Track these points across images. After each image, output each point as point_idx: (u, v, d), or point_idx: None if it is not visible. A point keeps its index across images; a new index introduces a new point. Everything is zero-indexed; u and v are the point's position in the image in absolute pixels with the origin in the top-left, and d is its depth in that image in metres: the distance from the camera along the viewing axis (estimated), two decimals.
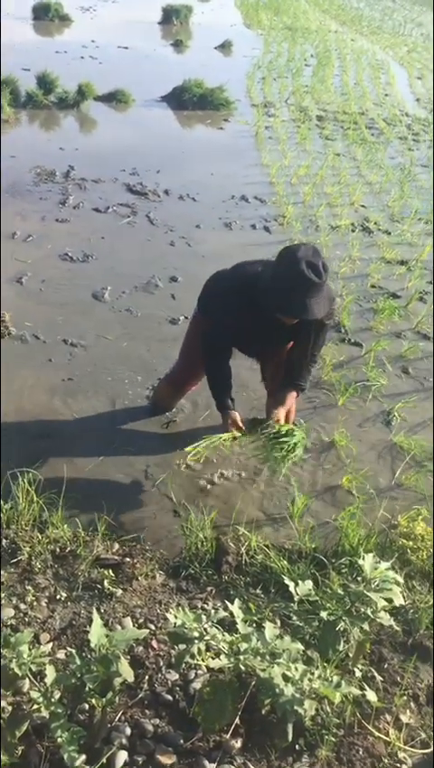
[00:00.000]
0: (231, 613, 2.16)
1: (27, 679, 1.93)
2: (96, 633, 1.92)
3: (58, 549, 2.73)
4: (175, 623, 2.04)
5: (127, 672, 1.89)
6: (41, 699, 1.87)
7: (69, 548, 2.73)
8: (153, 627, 2.45)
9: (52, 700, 1.88)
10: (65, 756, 1.80)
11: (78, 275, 4.92)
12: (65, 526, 2.81)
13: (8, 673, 1.87)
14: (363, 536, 2.88)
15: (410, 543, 2.90)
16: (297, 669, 1.99)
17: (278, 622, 2.48)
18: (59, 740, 1.82)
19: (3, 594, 2.50)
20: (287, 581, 2.33)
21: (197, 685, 2.21)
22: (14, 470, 2.95)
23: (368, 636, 2.28)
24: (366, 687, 2.21)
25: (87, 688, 1.89)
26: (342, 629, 2.16)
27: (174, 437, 3.54)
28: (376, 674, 2.34)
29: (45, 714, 1.86)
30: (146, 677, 2.25)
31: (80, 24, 14.32)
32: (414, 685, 2.36)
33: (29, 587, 2.55)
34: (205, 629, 2.03)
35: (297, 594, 2.25)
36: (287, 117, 9.38)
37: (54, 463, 3.23)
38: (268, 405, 3.52)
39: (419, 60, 14.84)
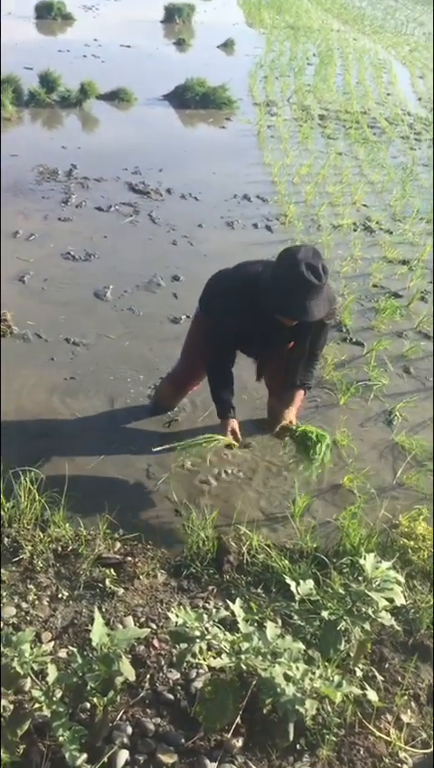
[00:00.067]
0: (233, 613, 2.16)
1: (29, 677, 1.94)
2: (97, 632, 1.92)
3: (60, 548, 2.73)
4: (177, 622, 2.04)
5: (128, 671, 1.90)
6: (42, 698, 1.87)
7: (70, 547, 2.74)
8: (154, 626, 2.45)
9: (54, 699, 1.88)
10: (66, 755, 1.81)
11: (80, 274, 4.93)
12: (67, 525, 2.82)
13: (10, 672, 1.88)
14: (364, 535, 2.88)
15: (412, 543, 2.90)
16: (298, 668, 1.99)
17: (280, 621, 2.48)
18: (60, 739, 1.82)
19: (5, 593, 2.50)
20: (288, 580, 2.33)
21: (198, 684, 2.21)
22: (16, 468, 2.96)
23: (369, 636, 2.28)
24: (367, 686, 2.21)
25: (88, 687, 1.89)
26: (343, 628, 2.16)
27: (175, 436, 3.53)
28: (377, 674, 2.34)
29: (47, 713, 1.86)
30: (148, 676, 2.25)
31: (82, 23, 14.32)
32: (415, 685, 2.36)
33: (31, 586, 2.55)
34: (207, 628, 2.03)
35: (299, 594, 2.25)
36: (289, 116, 9.37)
37: (56, 462, 3.23)
38: (271, 404, 3.54)
39: (421, 59, 14.82)
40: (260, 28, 16.21)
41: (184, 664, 2.12)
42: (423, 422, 3.82)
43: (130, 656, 2.27)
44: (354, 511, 3.00)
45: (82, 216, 5.82)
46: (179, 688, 2.23)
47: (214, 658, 2.06)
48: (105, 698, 1.91)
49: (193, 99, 9.37)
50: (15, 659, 1.88)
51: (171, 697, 2.19)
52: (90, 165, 6.88)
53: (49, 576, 2.62)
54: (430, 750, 2.15)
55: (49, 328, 4.25)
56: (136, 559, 2.73)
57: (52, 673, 1.91)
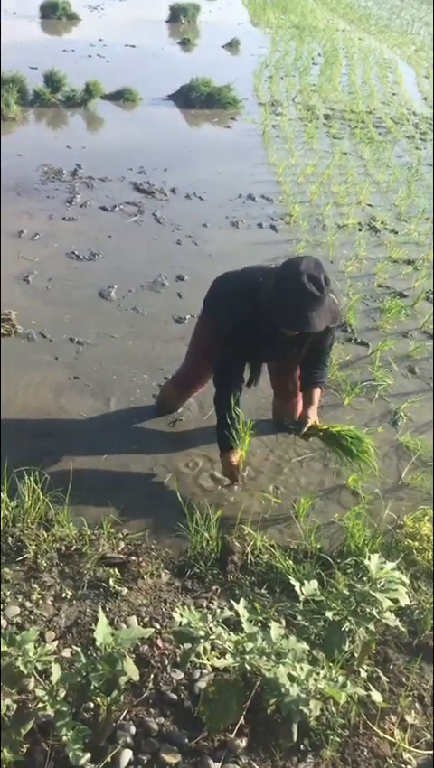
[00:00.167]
0: (237, 613, 2.16)
1: (33, 677, 1.94)
2: (101, 632, 1.92)
3: (64, 548, 2.73)
4: (181, 622, 2.04)
5: (132, 671, 1.90)
6: (46, 698, 1.87)
7: (74, 547, 2.74)
8: (158, 626, 2.45)
9: (58, 698, 1.88)
10: (70, 755, 1.81)
11: (84, 273, 4.93)
12: (71, 524, 2.82)
13: (14, 671, 1.88)
14: (368, 536, 2.87)
15: (416, 543, 2.89)
16: (302, 668, 1.98)
17: (284, 621, 2.48)
18: (64, 738, 1.82)
19: (9, 592, 2.50)
20: (292, 581, 2.32)
21: (202, 684, 2.21)
22: (20, 468, 2.97)
23: (373, 636, 2.27)
24: (371, 687, 2.20)
25: (92, 687, 1.89)
26: (347, 629, 2.16)
27: (180, 436, 3.54)
28: (381, 674, 2.33)
29: (50, 712, 1.86)
30: (151, 675, 2.25)
31: (87, 23, 14.35)
32: (419, 686, 2.35)
33: (35, 585, 2.55)
34: (211, 628, 2.03)
35: (303, 594, 2.25)
36: (294, 115, 9.36)
37: (60, 462, 3.24)
38: (276, 405, 3.53)
39: (426, 58, 14.77)
40: (265, 28, 16.20)
41: (188, 664, 2.12)
42: (428, 422, 3.80)
43: (134, 656, 2.26)
44: (359, 512, 3.00)
45: (87, 216, 5.83)
46: (183, 687, 2.23)
47: (218, 658, 2.06)
48: (108, 698, 1.91)
49: (198, 99, 9.37)
50: (19, 658, 1.88)
51: (175, 696, 2.19)
52: (95, 165, 6.89)
53: (53, 576, 2.62)
54: None
55: (53, 327, 4.25)
56: (141, 559, 2.73)
57: (56, 672, 1.91)
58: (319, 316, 2.64)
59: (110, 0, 17.20)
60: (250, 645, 2.03)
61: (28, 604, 2.47)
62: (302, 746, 2.08)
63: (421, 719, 2.24)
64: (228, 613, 2.17)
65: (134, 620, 2.45)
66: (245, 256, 5.28)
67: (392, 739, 2.14)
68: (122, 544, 2.81)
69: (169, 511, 3.04)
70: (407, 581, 2.35)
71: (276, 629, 2.11)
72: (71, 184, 6.39)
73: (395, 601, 2.16)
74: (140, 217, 5.91)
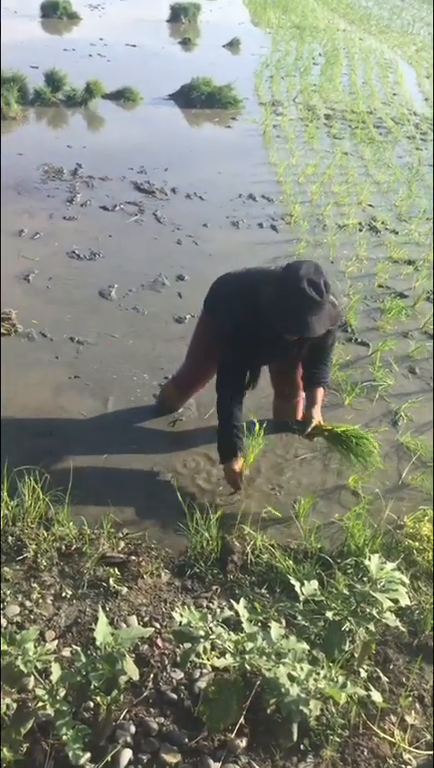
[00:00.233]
0: (237, 613, 2.16)
1: (32, 676, 1.94)
2: (101, 631, 1.92)
3: (63, 547, 2.73)
4: (181, 622, 2.04)
5: (132, 670, 1.90)
6: (46, 697, 1.87)
7: (74, 546, 2.73)
8: (158, 625, 2.45)
9: (58, 698, 1.88)
10: (70, 754, 1.81)
11: (85, 273, 4.93)
12: (71, 524, 2.82)
13: (13, 670, 1.88)
14: (368, 536, 2.87)
15: (416, 544, 2.89)
16: (302, 668, 1.98)
17: (284, 621, 2.48)
18: (64, 738, 1.82)
19: (9, 592, 2.50)
20: (292, 581, 2.32)
21: (202, 684, 2.21)
22: (21, 467, 2.96)
23: (373, 637, 2.27)
24: (371, 687, 2.20)
25: (92, 686, 1.89)
26: (347, 629, 2.16)
27: (180, 436, 3.54)
28: (381, 675, 2.33)
29: (50, 711, 1.86)
30: (151, 675, 2.25)
31: (88, 22, 14.34)
32: (419, 686, 2.35)
33: (35, 585, 2.55)
34: (211, 628, 2.03)
35: (303, 594, 2.25)
36: (294, 115, 9.36)
37: (60, 461, 3.23)
38: (276, 405, 3.53)
39: (427, 59, 14.77)
40: (266, 27, 16.20)
41: (188, 664, 2.12)
42: (428, 423, 3.80)
43: (134, 655, 2.26)
44: (359, 512, 3.00)
45: (87, 215, 5.83)
46: (183, 687, 2.22)
47: (218, 658, 2.06)
48: (108, 697, 1.91)
49: (199, 99, 9.37)
50: (19, 657, 1.88)
51: (174, 696, 2.19)
52: (96, 164, 6.88)
53: (53, 575, 2.62)
54: None
55: (53, 327, 4.25)
56: (140, 558, 2.73)
57: (56, 672, 1.91)
58: (319, 321, 2.66)
59: None
60: (250, 645, 2.03)
61: (28, 604, 2.47)
62: (302, 746, 2.08)
63: (421, 719, 2.24)
64: (228, 612, 2.17)
65: (134, 619, 2.45)
66: (245, 256, 5.28)
67: (392, 739, 2.14)
68: (122, 543, 2.81)
69: (169, 511, 3.04)
70: (407, 581, 2.35)
71: (276, 629, 2.11)
72: (72, 184, 6.39)
73: (395, 601, 2.16)
74: (141, 216, 5.91)
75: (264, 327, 2.80)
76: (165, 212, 6.02)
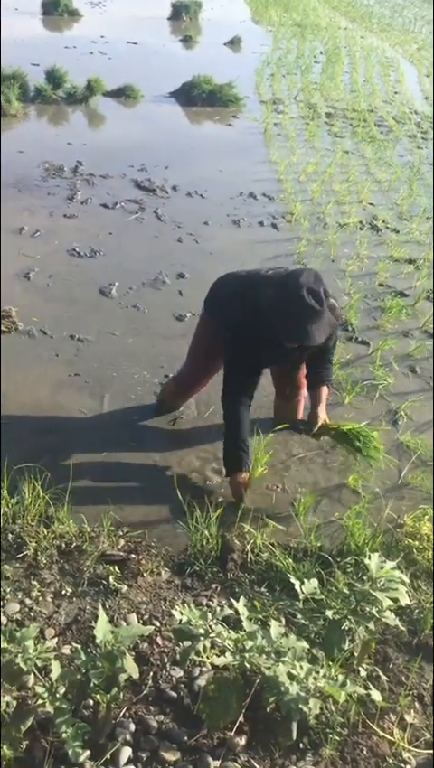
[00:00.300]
0: (237, 611, 2.16)
1: (32, 674, 1.94)
2: (101, 629, 1.92)
3: (63, 545, 2.73)
4: (180, 620, 2.04)
5: (131, 668, 1.90)
6: (46, 694, 1.87)
7: (74, 544, 2.73)
8: (158, 624, 2.45)
9: (57, 696, 1.88)
10: (69, 752, 1.81)
11: (85, 270, 4.92)
12: (71, 521, 2.82)
13: (13, 668, 1.88)
14: (368, 535, 2.87)
15: (416, 543, 2.89)
16: (301, 667, 1.98)
17: (283, 620, 2.48)
18: (63, 735, 1.83)
19: (9, 589, 2.50)
20: (292, 579, 2.32)
21: (202, 682, 2.21)
22: (21, 465, 2.96)
23: (373, 635, 2.27)
24: (371, 686, 2.20)
25: (92, 684, 1.89)
26: (347, 628, 2.16)
27: (180, 434, 3.54)
28: (381, 674, 2.34)
29: (50, 709, 1.87)
30: (151, 673, 2.25)
31: (89, 20, 14.33)
32: (419, 685, 2.35)
33: (34, 582, 2.55)
34: (210, 626, 2.03)
35: (303, 593, 2.25)
36: (295, 113, 9.35)
37: (60, 459, 3.23)
38: (277, 404, 3.53)
39: (428, 57, 14.74)
40: (267, 25, 16.18)
41: (188, 662, 2.12)
42: (428, 422, 3.80)
43: (134, 653, 2.26)
44: (359, 511, 3.00)
45: (88, 213, 5.82)
46: (182, 685, 2.23)
47: (218, 656, 2.06)
48: (108, 695, 1.91)
49: (200, 97, 9.35)
50: (19, 655, 1.88)
51: (174, 694, 2.19)
52: (96, 162, 6.87)
53: (53, 573, 2.62)
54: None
55: (53, 324, 4.25)
56: (140, 557, 2.73)
57: (56, 670, 1.91)
58: (319, 329, 2.68)
59: None
60: (249, 643, 2.03)
61: (28, 601, 2.47)
62: (301, 745, 2.08)
63: (421, 718, 2.24)
64: (228, 611, 2.17)
65: (133, 617, 2.45)
66: (246, 254, 5.28)
67: (392, 738, 2.14)
68: (122, 541, 2.81)
69: (169, 509, 3.04)
70: (407, 580, 2.35)
71: (275, 627, 2.11)
72: (72, 181, 6.38)
73: (395, 600, 2.16)
74: (141, 214, 5.90)
75: (265, 331, 2.80)
76: (166, 210, 6.02)
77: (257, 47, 13.26)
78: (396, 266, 5.49)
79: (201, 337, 3.31)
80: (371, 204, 6.68)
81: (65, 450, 3.30)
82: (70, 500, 2.85)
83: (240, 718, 2.05)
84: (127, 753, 1.99)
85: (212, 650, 2.08)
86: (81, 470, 3.15)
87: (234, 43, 13.39)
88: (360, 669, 2.28)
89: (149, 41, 12.71)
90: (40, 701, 1.89)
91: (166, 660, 2.31)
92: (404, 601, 2.17)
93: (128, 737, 2.03)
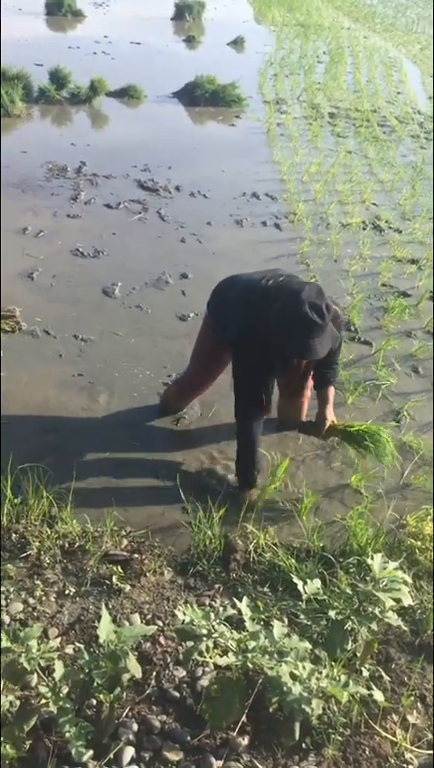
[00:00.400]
0: (239, 611, 2.16)
1: (36, 673, 1.94)
2: (104, 629, 1.92)
3: (67, 545, 2.74)
4: (183, 620, 2.04)
5: (134, 668, 1.90)
6: (49, 694, 1.88)
7: (77, 544, 2.74)
8: (161, 623, 2.45)
9: (61, 695, 1.89)
10: (73, 751, 1.82)
11: (88, 271, 4.93)
12: (74, 521, 2.82)
13: (17, 668, 1.88)
14: (371, 535, 2.88)
15: (419, 543, 2.89)
16: (304, 667, 1.99)
17: (286, 620, 2.48)
18: (66, 735, 1.83)
19: (12, 589, 2.51)
20: (295, 579, 2.33)
21: (204, 682, 2.21)
22: (24, 464, 2.97)
23: (376, 636, 2.28)
24: (373, 686, 2.21)
25: (95, 684, 1.90)
26: (349, 628, 2.16)
27: (183, 434, 3.54)
28: (383, 674, 2.34)
29: (53, 709, 1.87)
30: (154, 673, 2.25)
31: (92, 20, 14.34)
32: (421, 685, 2.36)
33: (38, 582, 2.56)
34: (213, 626, 2.04)
35: (306, 593, 2.25)
36: (298, 114, 9.34)
37: (63, 459, 3.23)
38: (280, 405, 3.52)
39: (431, 57, 14.73)
40: (270, 25, 16.17)
41: (191, 662, 2.12)
42: (430, 422, 3.80)
43: (137, 653, 2.27)
44: (362, 511, 3.00)
45: (91, 213, 5.83)
46: (185, 685, 2.23)
47: (221, 656, 2.06)
48: (111, 695, 1.92)
49: (203, 97, 9.35)
50: (22, 654, 1.89)
51: (177, 694, 2.20)
52: (100, 162, 6.88)
53: (56, 573, 2.62)
54: None
55: (57, 324, 4.26)
56: (143, 556, 2.73)
57: (59, 669, 1.91)
58: (321, 342, 2.68)
59: None
60: (252, 643, 2.03)
61: (31, 601, 2.48)
62: (304, 745, 2.08)
63: (423, 719, 2.24)
64: (230, 611, 2.18)
65: (136, 617, 2.45)
66: (249, 254, 5.28)
67: (394, 739, 2.14)
68: (125, 541, 2.82)
69: (172, 509, 3.04)
70: (409, 581, 2.35)
71: (278, 627, 2.11)
72: (76, 181, 6.39)
73: (398, 600, 2.16)
74: (144, 214, 5.91)
75: (269, 345, 2.81)
76: (169, 210, 6.02)
77: (260, 47, 13.25)
78: (399, 266, 5.49)
79: (204, 340, 3.31)
80: (374, 204, 6.67)
81: (68, 450, 3.31)
82: (74, 499, 2.86)
83: (243, 718, 2.05)
84: (129, 752, 1.99)
85: (215, 651, 2.08)
86: (85, 470, 3.16)
87: (237, 43, 13.39)
88: (362, 669, 2.28)
89: (152, 41, 12.72)
90: (43, 701, 1.90)
91: (169, 660, 2.31)
92: (407, 601, 2.17)
93: (131, 737, 2.04)
